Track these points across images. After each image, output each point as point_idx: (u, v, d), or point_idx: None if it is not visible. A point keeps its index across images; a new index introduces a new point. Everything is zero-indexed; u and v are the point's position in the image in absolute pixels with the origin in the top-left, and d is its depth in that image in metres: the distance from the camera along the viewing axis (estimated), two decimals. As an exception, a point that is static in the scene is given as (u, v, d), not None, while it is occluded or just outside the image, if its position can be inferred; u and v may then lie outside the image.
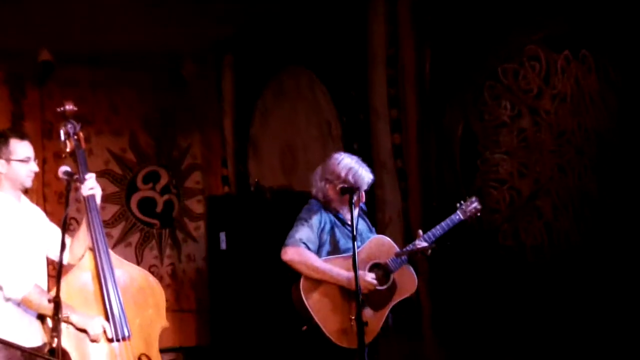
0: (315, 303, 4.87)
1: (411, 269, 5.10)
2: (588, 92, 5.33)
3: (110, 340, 4.25)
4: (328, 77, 7.41)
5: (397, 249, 5.06)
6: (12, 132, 4.56)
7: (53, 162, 8.04)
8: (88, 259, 4.36)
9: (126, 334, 4.28)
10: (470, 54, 5.98)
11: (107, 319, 4.26)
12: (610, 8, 5.19)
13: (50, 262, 4.54)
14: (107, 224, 8.46)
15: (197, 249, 9.06)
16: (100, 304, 4.29)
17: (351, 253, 4.71)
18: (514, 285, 5.75)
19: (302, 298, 4.87)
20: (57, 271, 3.95)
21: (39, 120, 8.55)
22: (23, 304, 4.25)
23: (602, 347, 5.20)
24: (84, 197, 4.38)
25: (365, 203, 5.21)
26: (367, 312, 4.82)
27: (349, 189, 4.83)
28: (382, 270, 5.01)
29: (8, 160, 4.35)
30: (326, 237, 5.00)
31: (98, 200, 4.41)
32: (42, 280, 4.41)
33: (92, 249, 4.36)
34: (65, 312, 3.97)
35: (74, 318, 4.17)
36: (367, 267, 4.96)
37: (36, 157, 4.46)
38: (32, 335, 4.31)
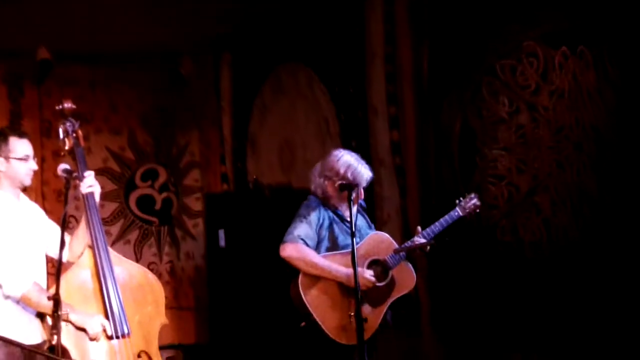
0: (313, 299, 4.88)
1: (410, 265, 5.10)
2: (586, 87, 5.34)
3: (110, 338, 4.26)
4: (326, 74, 7.41)
5: (395, 245, 5.07)
6: (12, 131, 4.57)
7: (52, 160, 8.04)
8: (87, 257, 4.37)
9: (126, 331, 4.28)
10: (468, 51, 5.99)
11: (107, 316, 4.27)
12: (607, 3, 5.20)
13: (49, 260, 4.54)
14: (106, 221, 8.46)
15: (195, 247, 9.05)
16: (100, 301, 4.29)
17: (350, 249, 4.72)
18: (512, 281, 5.76)
19: (300, 294, 4.87)
20: (56, 269, 3.96)
21: (37, 118, 8.55)
22: (22, 301, 4.26)
23: (600, 342, 5.21)
24: (83, 195, 4.38)
25: (365, 200, 5.21)
26: (366, 309, 4.83)
27: (348, 186, 4.83)
28: (380, 266, 5.02)
29: (7, 158, 4.35)
30: (325, 233, 5.01)
31: (97, 198, 4.41)
32: (42, 278, 4.41)
33: (91, 247, 4.36)
34: (64, 310, 3.97)
35: (73, 317, 4.17)
36: (366, 263, 4.96)
37: (35, 155, 4.47)
38: (31, 333, 4.31)
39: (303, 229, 4.95)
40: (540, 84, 5.57)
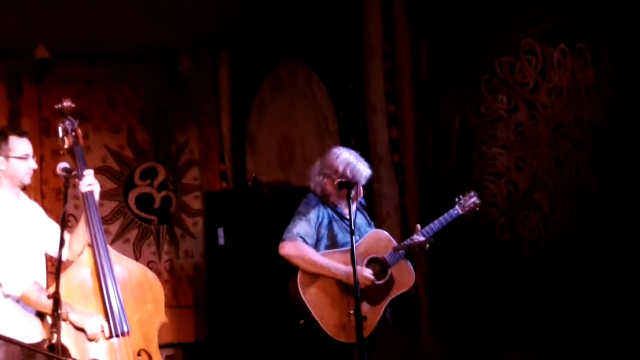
0: (312, 297, 4.88)
1: (409, 263, 5.10)
2: (584, 85, 5.34)
3: (110, 336, 4.26)
4: (325, 72, 7.41)
5: (394, 243, 5.07)
6: (11, 130, 4.57)
7: (51, 159, 8.05)
8: (87, 255, 4.37)
9: (125, 329, 4.29)
10: (467, 48, 5.99)
11: (106, 314, 4.27)
12: (606, 0, 5.20)
13: (49, 259, 4.54)
14: (105, 220, 8.46)
15: (195, 245, 9.06)
16: (100, 299, 4.30)
17: (349, 247, 4.72)
18: (511, 279, 5.77)
19: (299, 292, 4.87)
20: (56, 267, 3.96)
21: (36, 117, 8.55)
22: (22, 300, 4.26)
23: (599, 339, 5.21)
24: (82, 194, 4.38)
25: (364, 197, 5.22)
26: (365, 307, 4.81)
27: (347, 184, 4.83)
28: (379, 264, 5.01)
29: (7, 157, 4.35)
30: (324, 231, 5.00)
31: (96, 196, 4.42)
32: (41, 276, 4.42)
33: (90, 245, 4.37)
34: (64, 309, 3.98)
35: (72, 316, 4.17)
36: (365, 261, 4.96)
37: (34, 154, 4.47)
38: (31, 332, 4.31)
39: (302, 227, 4.95)
40: (539, 81, 5.57)
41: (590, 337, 5.26)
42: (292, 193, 6.19)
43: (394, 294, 5.03)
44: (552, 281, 5.52)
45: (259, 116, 8.33)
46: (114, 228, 8.84)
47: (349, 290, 4.83)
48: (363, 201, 5.24)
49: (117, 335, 4.27)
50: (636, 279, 5.04)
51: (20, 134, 4.45)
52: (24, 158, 4.38)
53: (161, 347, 4.49)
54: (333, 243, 5.00)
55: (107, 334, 4.25)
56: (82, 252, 4.40)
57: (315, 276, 4.90)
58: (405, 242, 5.04)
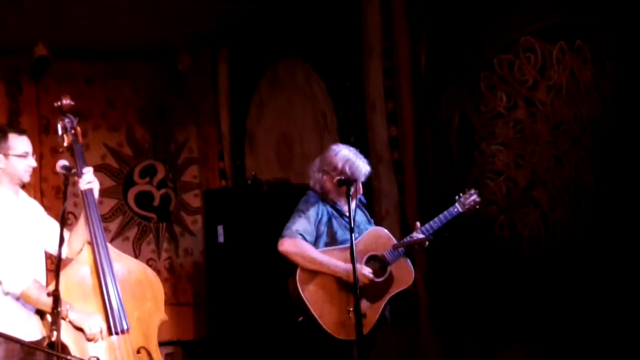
0: (311, 294, 4.87)
1: (408, 261, 5.10)
2: (583, 83, 5.34)
3: (109, 334, 4.26)
4: (324, 69, 7.41)
5: (394, 241, 5.07)
6: (11, 127, 4.58)
7: (50, 157, 8.05)
8: (86, 253, 4.37)
9: (125, 327, 4.29)
10: (466, 46, 5.99)
11: (106, 312, 4.27)
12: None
13: (48, 256, 4.55)
14: (104, 218, 8.46)
15: (194, 243, 9.07)
16: (99, 297, 4.30)
17: (348, 244, 4.72)
18: (510, 276, 5.77)
19: (298, 290, 4.87)
20: (55, 265, 3.97)
21: (35, 115, 8.56)
22: (22, 298, 4.26)
23: (598, 336, 5.21)
24: (81, 192, 4.38)
25: (364, 195, 5.22)
26: (364, 304, 4.81)
27: (346, 181, 4.82)
28: (379, 262, 5.01)
29: (6, 155, 4.36)
30: (323, 228, 5.00)
31: (96, 194, 4.42)
32: (41, 274, 4.42)
33: (90, 243, 4.37)
34: (64, 307, 3.98)
35: (72, 315, 4.17)
36: (364, 259, 4.96)
37: (34, 152, 4.47)
38: (31, 329, 4.32)
39: (301, 224, 4.95)
40: (538, 78, 5.57)
41: (590, 334, 5.26)
42: (291, 191, 6.20)
43: (393, 291, 5.03)
44: (551, 278, 5.52)
45: (257, 114, 8.33)
46: (114, 226, 8.85)
47: (348, 288, 4.83)
48: (363, 198, 5.24)
49: (116, 333, 4.27)
50: (636, 276, 5.04)
51: (20, 131, 4.46)
52: (23, 156, 4.38)
53: (161, 344, 4.49)
54: (332, 240, 5.00)
55: (104, 335, 4.25)
56: (81, 249, 4.40)
57: (314, 273, 4.90)
58: (404, 240, 5.04)
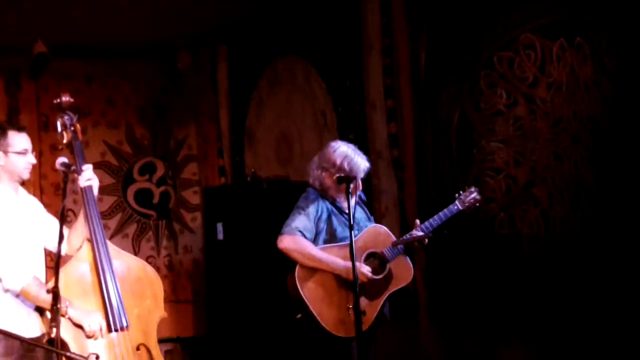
0: (310, 292, 4.87)
1: (408, 258, 5.10)
2: (583, 80, 5.34)
3: (109, 331, 4.27)
4: (323, 67, 7.41)
5: (393, 238, 5.07)
6: (10, 125, 4.57)
7: (49, 154, 8.04)
8: (86, 250, 4.37)
9: (124, 324, 4.29)
10: (466, 43, 5.98)
11: (105, 309, 4.27)
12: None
13: (48, 254, 4.55)
14: (104, 215, 8.46)
15: (194, 240, 9.06)
16: (99, 294, 4.30)
17: (347, 242, 4.72)
18: (510, 274, 5.77)
19: (297, 287, 4.87)
20: (55, 262, 3.96)
21: (34, 113, 8.55)
22: (22, 295, 4.26)
23: (598, 333, 5.22)
24: (81, 189, 4.38)
25: (364, 192, 5.22)
26: (363, 301, 4.80)
27: (346, 178, 4.82)
28: (378, 259, 5.01)
29: (6, 152, 4.36)
30: (323, 225, 5.00)
31: (95, 191, 4.42)
32: (41, 271, 4.42)
33: (89, 240, 4.37)
34: (64, 303, 3.98)
35: (71, 312, 4.18)
36: (363, 256, 4.96)
37: (33, 149, 4.47)
38: (31, 326, 4.32)
39: (301, 221, 4.95)
40: (538, 76, 5.57)
41: (590, 332, 5.26)
42: (291, 188, 6.19)
43: (392, 289, 5.03)
44: (551, 276, 5.52)
45: (257, 112, 8.33)
46: (113, 223, 8.85)
47: (347, 285, 4.83)
48: (363, 196, 5.24)
49: (116, 330, 4.27)
50: (635, 273, 5.04)
51: (19, 129, 4.45)
52: (22, 153, 4.38)
53: (160, 341, 4.49)
54: (332, 237, 5.00)
55: (104, 333, 4.25)
56: (81, 247, 4.40)
57: (313, 270, 4.90)
58: (404, 237, 5.04)
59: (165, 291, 4.62)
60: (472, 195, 5.13)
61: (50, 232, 4.45)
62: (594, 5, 5.24)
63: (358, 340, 4.68)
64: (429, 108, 6.30)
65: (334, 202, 5.07)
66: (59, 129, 4.47)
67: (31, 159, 4.43)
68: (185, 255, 9.09)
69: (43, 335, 4.31)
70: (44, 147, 8.19)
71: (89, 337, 4.22)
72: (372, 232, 5.08)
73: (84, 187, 4.37)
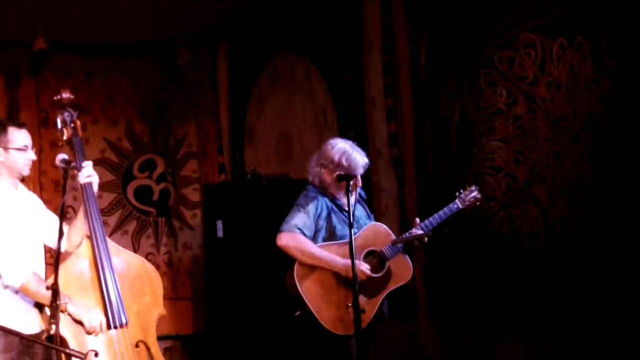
0: (309, 289, 4.87)
1: (407, 257, 5.10)
2: (583, 79, 5.34)
3: (108, 328, 4.27)
4: (324, 65, 7.41)
5: (393, 236, 5.06)
6: (10, 121, 4.59)
7: (49, 151, 8.04)
8: (85, 247, 4.37)
9: (123, 321, 4.29)
10: (466, 42, 5.98)
11: (105, 306, 4.27)
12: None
13: (47, 250, 4.55)
14: (103, 212, 8.45)
15: (193, 237, 9.06)
16: (98, 291, 4.30)
17: (347, 240, 4.72)
18: (509, 272, 5.77)
19: (295, 284, 4.87)
20: (54, 259, 3.97)
21: (34, 109, 8.55)
22: (21, 291, 4.26)
23: (597, 332, 5.22)
24: (81, 185, 4.38)
25: (364, 190, 5.21)
26: (361, 299, 4.79)
27: (346, 176, 4.82)
28: (377, 257, 5.01)
29: (6, 148, 4.36)
30: (322, 223, 5.00)
31: (95, 188, 4.42)
32: (40, 268, 4.42)
33: (89, 237, 4.37)
34: (63, 300, 3.98)
35: (71, 309, 4.18)
36: (363, 254, 4.95)
37: (33, 145, 4.47)
38: (30, 323, 4.32)
39: (300, 219, 4.95)
40: (538, 75, 5.57)
41: (589, 330, 5.26)
42: (291, 185, 6.19)
43: (391, 287, 5.03)
44: (550, 275, 5.52)
45: (257, 110, 8.33)
46: (113, 220, 8.84)
47: (345, 283, 4.83)
48: (363, 194, 5.24)
49: (115, 327, 4.27)
50: (635, 272, 5.04)
51: (19, 125, 4.45)
52: (22, 149, 4.38)
53: (159, 339, 4.49)
54: (331, 235, 4.99)
55: (104, 329, 4.25)
56: (80, 243, 4.40)
57: (312, 268, 4.90)
58: (403, 236, 5.04)
59: (164, 288, 4.62)
60: (473, 194, 5.12)
61: (50, 229, 4.45)
62: (594, 4, 5.24)
63: (357, 338, 4.68)
64: (429, 106, 6.30)
65: (333, 200, 5.07)
66: (59, 125, 4.47)
67: (31, 155, 4.43)
68: (184, 253, 9.09)
69: (42, 331, 4.31)
70: (44, 144, 8.19)
71: (89, 333, 4.23)
72: (372, 230, 5.08)
73: (84, 184, 4.37)
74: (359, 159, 5.03)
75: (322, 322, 4.83)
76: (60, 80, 8.39)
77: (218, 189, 8.27)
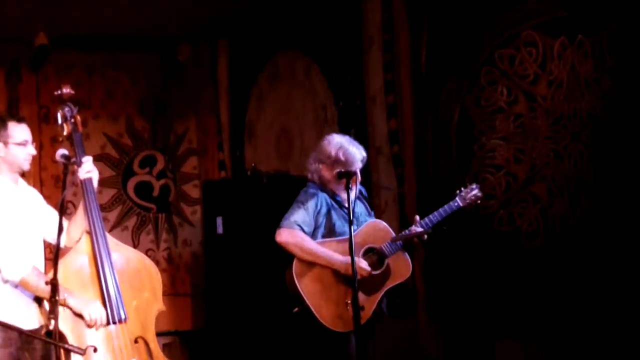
0: (307, 286, 4.88)
1: (406, 254, 5.10)
2: (584, 78, 5.34)
3: (107, 323, 4.27)
4: (324, 62, 7.40)
5: (392, 234, 5.06)
6: (10, 116, 4.57)
7: (50, 146, 8.05)
8: (85, 242, 4.37)
9: (122, 316, 4.29)
10: (467, 40, 5.98)
11: (104, 301, 4.27)
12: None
13: (47, 245, 4.55)
14: (103, 207, 8.45)
15: (193, 234, 9.07)
16: (97, 286, 4.30)
17: (346, 236, 4.72)
18: (509, 271, 5.77)
19: (294, 281, 4.87)
20: (54, 254, 3.97)
21: (35, 104, 8.56)
22: (21, 285, 4.26)
23: (597, 330, 5.22)
24: (81, 181, 4.38)
25: (364, 187, 5.21)
26: (360, 296, 4.77)
27: (346, 174, 4.82)
28: (376, 254, 5.01)
29: (6, 143, 4.35)
30: (322, 219, 5.00)
31: (95, 183, 4.42)
32: (40, 263, 4.42)
33: (89, 233, 4.37)
34: (62, 295, 3.98)
35: (71, 301, 4.18)
36: (362, 251, 4.95)
37: (33, 140, 4.47)
38: (29, 318, 4.32)
39: (300, 215, 4.95)
40: (539, 73, 5.57)
41: (589, 329, 5.26)
42: (291, 182, 6.20)
43: (390, 284, 5.03)
44: (550, 273, 5.52)
45: (257, 107, 8.32)
46: (113, 216, 8.85)
47: (344, 280, 4.83)
48: (364, 191, 5.24)
49: (114, 322, 4.27)
50: (634, 271, 5.04)
51: (19, 120, 4.45)
52: (22, 144, 4.38)
53: (158, 335, 4.49)
54: (330, 231, 4.99)
55: (104, 321, 4.25)
56: (80, 239, 4.40)
57: (311, 265, 4.90)
58: (403, 233, 5.04)
59: (164, 284, 4.62)
60: (473, 192, 5.12)
61: (50, 224, 4.45)
62: (595, 3, 5.23)
63: (356, 335, 4.68)
64: (429, 104, 6.29)
65: (333, 196, 5.06)
66: (59, 120, 4.46)
67: (31, 149, 4.42)
68: (184, 249, 9.10)
69: (41, 327, 4.31)
70: (44, 139, 8.19)
71: (89, 326, 4.22)
72: (371, 228, 5.08)
73: (84, 179, 4.37)
74: (356, 153, 5.03)
75: (321, 319, 4.83)
76: (61, 75, 8.40)
77: (218, 186, 8.26)
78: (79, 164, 4.34)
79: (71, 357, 4.12)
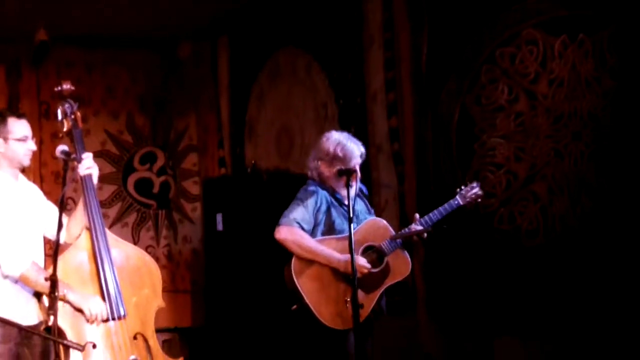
0: (306, 284, 4.87)
1: (406, 252, 5.09)
2: (585, 76, 5.33)
3: (106, 319, 4.27)
4: (325, 60, 7.40)
5: (392, 232, 5.06)
6: (10, 112, 4.58)
7: (50, 142, 8.06)
8: (84, 239, 4.37)
9: (122, 312, 4.29)
10: (468, 38, 5.98)
11: (103, 298, 4.27)
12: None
13: (47, 241, 4.54)
14: (103, 204, 8.47)
15: (193, 230, 9.07)
16: (96, 283, 4.30)
17: (345, 234, 4.71)
18: (509, 269, 5.77)
19: (293, 279, 4.87)
20: (53, 250, 3.97)
21: (35, 101, 8.56)
22: (21, 281, 4.26)
23: (597, 329, 5.22)
24: (81, 177, 4.38)
25: (365, 185, 5.21)
26: (359, 294, 4.77)
27: (346, 171, 4.82)
28: (376, 252, 5.01)
29: (6, 139, 4.35)
30: (322, 217, 4.99)
31: (95, 180, 4.42)
32: (40, 258, 4.42)
33: (88, 229, 4.36)
34: (62, 291, 3.99)
35: (71, 297, 4.18)
36: (361, 249, 4.95)
37: (33, 136, 4.47)
38: (28, 314, 4.32)
39: (299, 212, 4.95)
40: (540, 71, 5.57)
41: (589, 328, 5.26)
42: (291, 179, 6.20)
43: (389, 282, 5.03)
44: (550, 272, 5.52)
45: (258, 105, 8.32)
46: (113, 212, 8.86)
47: (343, 278, 4.83)
48: (364, 189, 5.24)
49: (113, 319, 4.27)
50: (634, 270, 5.04)
51: (19, 115, 4.45)
52: (22, 140, 4.38)
53: (158, 331, 4.49)
54: (330, 229, 4.99)
55: (104, 316, 4.25)
56: (80, 235, 4.39)
57: (310, 262, 4.90)
58: (403, 231, 5.03)
59: (163, 281, 4.62)
60: (474, 191, 5.11)
61: (50, 220, 4.44)
62: (596, 2, 5.23)
63: (355, 333, 4.68)
64: (429, 102, 6.29)
65: (333, 194, 5.06)
66: (60, 116, 4.46)
67: (31, 145, 4.42)
68: (184, 246, 9.10)
69: (41, 323, 4.31)
70: (45, 135, 8.20)
71: (90, 321, 4.22)
72: (371, 225, 5.07)
73: (84, 176, 4.37)
74: (354, 149, 5.02)
75: (319, 317, 4.82)
76: (61, 72, 8.40)
77: (218, 183, 8.27)
78: (79, 160, 4.34)
79: (70, 353, 4.12)
